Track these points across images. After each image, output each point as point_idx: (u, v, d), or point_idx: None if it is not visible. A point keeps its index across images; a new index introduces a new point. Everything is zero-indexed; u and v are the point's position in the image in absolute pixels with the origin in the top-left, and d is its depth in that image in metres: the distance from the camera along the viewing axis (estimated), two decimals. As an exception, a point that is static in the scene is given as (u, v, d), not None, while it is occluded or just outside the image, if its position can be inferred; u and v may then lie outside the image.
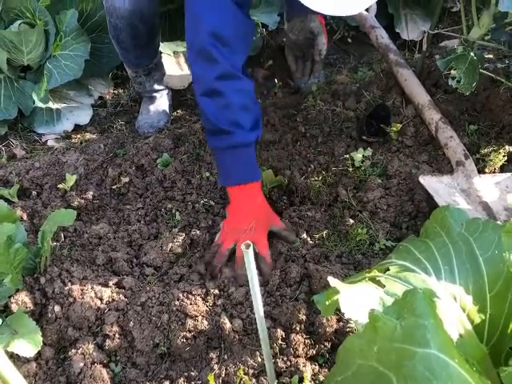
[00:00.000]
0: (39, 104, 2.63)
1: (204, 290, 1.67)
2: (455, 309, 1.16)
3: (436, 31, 2.36)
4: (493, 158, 2.11)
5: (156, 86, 2.69)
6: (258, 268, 1.73)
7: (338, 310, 1.12)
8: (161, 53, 2.67)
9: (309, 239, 1.89)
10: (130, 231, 1.97)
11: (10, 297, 1.68)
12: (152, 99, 2.73)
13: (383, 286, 1.19)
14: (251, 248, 1.08)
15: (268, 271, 1.75)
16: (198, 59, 1.77)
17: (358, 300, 1.10)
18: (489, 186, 1.95)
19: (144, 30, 2.29)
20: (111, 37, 2.37)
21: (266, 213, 1.89)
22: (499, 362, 1.15)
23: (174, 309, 1.59)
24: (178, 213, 2.07)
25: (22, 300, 1.67)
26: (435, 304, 0.94)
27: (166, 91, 2.77)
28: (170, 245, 1.87)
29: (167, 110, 2.73)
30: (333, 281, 1.13)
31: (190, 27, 1.79)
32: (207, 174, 2.22)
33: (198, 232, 1.93)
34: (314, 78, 2.78)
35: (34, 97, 2.58)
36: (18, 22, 2.62)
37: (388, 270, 1.24)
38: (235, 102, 1.77)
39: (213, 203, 2.12)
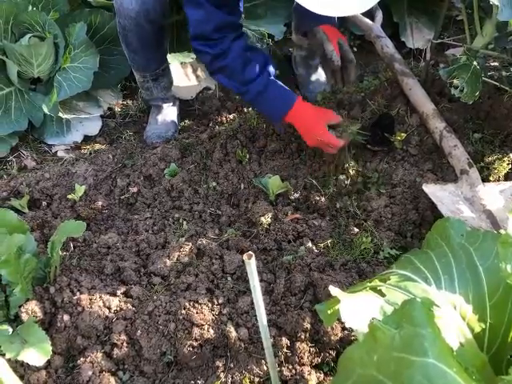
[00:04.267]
0: (49, 116, 2.68)
1: (210, 299, 1.69)
2: (455, 317, 1.18)
3: (440, 40, 2.38)
4: (497, 166, 2.12)
5: (163, 94, 2.73)
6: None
7: (340, 318, 1.14)
8: (168, 61, 2.72)
9: (314, 248, 1.91)
10: (138, 241, 2.00)
11: (20, 306, 1.71)
12: (160, 109, 2.77)
13: (384, 296, 1.21)
14: (253, 258, 1.11)
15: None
16: (202, 44, 2.13)
17: (358, 309, 1.12)
18: (493, 195, 1.95)
19: (151, 30, 2.37)
20: (120, 39, 2.46)
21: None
22: (500, 371, 1.16)
23: (181, 318, 1.62)
24: (185, 222, 2.10)
25: (32, 309, 1.70)
26: (433, 313, 0.96)
27: (173, 101, 2.81)
28: (178, 254, 1.90)
29: (175, 120, 2.76)
30: (334, 290, 1.15)
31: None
32: (214, 184, 2.25)
33: (204, 241, 1.95)
34: (320, 87, 2.81)
35: (44, 109, 2.63)
36: (28, 35, 2.67)
37: (389, 279, 1.26)
38: (236, 67, 2.16)
39: (219, 212, 2.15)
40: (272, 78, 2.24)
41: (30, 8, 2.71)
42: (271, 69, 2.24)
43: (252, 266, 1.11)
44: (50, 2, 2.77)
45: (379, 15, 2.75)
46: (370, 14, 2.80)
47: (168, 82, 2.74)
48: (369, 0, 1.65)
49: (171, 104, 2.80)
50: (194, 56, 2.99)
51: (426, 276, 1.22)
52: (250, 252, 1.11)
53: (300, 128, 2.21)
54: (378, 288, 1.21)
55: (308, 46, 2.82)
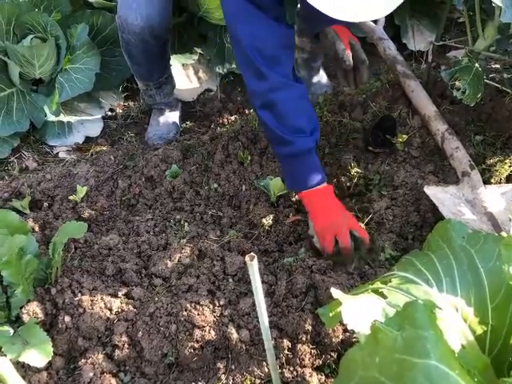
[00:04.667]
0: (51, 117, 2.69)
1: (212, 301, 1.69)
2: (457, 320, 1.18)
3: (441, 43, 2.38)
4: (498, 168, 2.12)
5: (166, 99, 2.74)
6: (359, 250, 1.87)
7: (341, 320, 1.14)
8: (170, 65, 2.72)
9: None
10: (139, 242, 2.00)
11: (21, 307, 1.71)
12: (162, 111, 2.77)
13: (386, 298, 1.21)
14: (255, 260, 1.11)
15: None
16: (249, 74, 1.86)
17: (360, 311, 1.12)
18: (494, 197, 1.95)
19: (155, 45, 2.37)
20: (123, 51, 2.43)
21: (343, 208, 1.96)
22: (502, 373, 1.16)
23: (182, 319, 1.62)
24: (186, 224, 2.10)
25: (33, 310, 1.70)
26: (435, 315, 0.96)
27: (175, 104, 2.81)
28: (179, 255, 1.90)
29: (177, 122, 2.77)
30: (336, 292, 1.15)
31: (235, 48, 1.89)
32: (215, 186, 2.26)
33: (206, 243, 1.95)
34: (322, 89, 2.81)
35: (46, 110, 2.64)
36: (30, 36, 2.67)
37: (390, 281, 1.26)
38: (291, 110, 1.87)
39: (221, 214, 2.15)
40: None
41: (32, 8, 2.71)
42: (318, 134, 1.97)
43: (254, 267, 1.11)
44: (51, 3, 2.77)
45: (382, 18, 2.75)
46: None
47: (171, 87, 2.74)
48: (387, 7, 1.51)
49: (173, 106, 2.80)
50: (195, 58, 2.99)
51: (428, 278, 1.22)
52: (252, 253, 1.10)
53: (309, 213, 1.96)
54: (380, 290, 1.21)
55: (310, 48, 2.82)
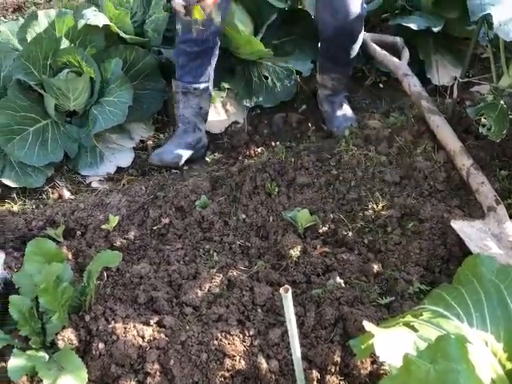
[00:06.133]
0: (84, 147, 2.78)
1: (241, 331, 1.73)
2: (487, 354, 1.20)
3: (466, 79, 2.43)
4: (524, 203, 2.14)
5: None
6: None
7: (373, 352, 1.17)
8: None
9: (342, 282, 1.94)
10: (169, 271, 2.04)
11: (56, 333, 1.76)
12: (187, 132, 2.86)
13: (416, 331, 1.23)
14: (290, 292, 1.15)
15: None
16: None
17: (392, 344, 1.15)
18: (520, 232, 1.97)
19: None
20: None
21: None
22: (532, 408, 1.18)
23: (213, 348, 1.66)
24: (215, 253, 2.14)
25: (68, 337, 1.75)
26: (467, 349, 0.99)
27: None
28: (209, 285, 1.94)
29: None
30: (368, 325, 1.18)
31: None
32: (243, 216, 2.30)
33: (235, 273, 2.00)
34: (346, 123, 2.87)
35: (80, 141, 2.72)
36: (66, 70, 2.78)
37: (421, 315, 1.29)
38: None
39: (249, 244, 2.19)
40: None
41: (68, 44, 2.81)
42: None
43: (289, 299, 1.15)
44: (87, 38, 2.88)
45: (406, 54, 2.83)
46: (397, 52, 2.88)
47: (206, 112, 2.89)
48: None
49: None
50: (223, 95, 3.08)
51: (458, 313, 1.25)
52: (286, 286, 1.15)
53: None
54: (411, 323, 1.24)
55: (331, 86, 2.91)
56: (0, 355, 1.77)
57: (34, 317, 1.80)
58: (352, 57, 2.81)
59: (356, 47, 2.78)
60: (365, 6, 2.70)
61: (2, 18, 4.37)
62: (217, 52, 2.76)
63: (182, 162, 2.79)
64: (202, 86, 2.78)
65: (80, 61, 2.77)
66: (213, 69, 2.80)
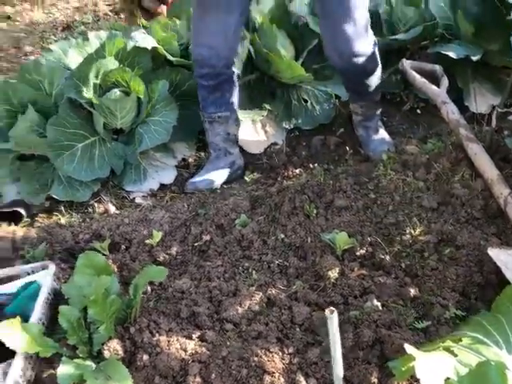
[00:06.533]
0: (129, 164, 2.89)
1: (281, 348, 1.78)
2: (525, 382, 1.23)
3: (505, 110, 2.46)
4: (562, 233, 2.16)
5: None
6: None
7: (410, 375, 1.21)
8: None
9: (379, 305, 1.98)
10: (210, 287, 2.11)
11: (102, 344, 1.84)
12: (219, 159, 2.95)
13: (455, 356, 1.28)
14: (335, 313, 1.20)
15: None
16: None
17: (433, 367, 1.20)
18: (558, 261, 1.99)
19: None
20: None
21: None
22: None
23: (253, 364, 1.71)
24: (254, 272, 2.20)
25: (114, 347, 1.82)
26: (507, 376, 1.03)
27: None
28: (248, 302, 2.00)
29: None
30: (409, 348, 1.23)
31: None
32: (282, 236, 2.36)
33: (274, 291, 2.05)
34: (382, 147, 2.92)
35: (125, 158, 2.83)
36: (115, 90, 2.89)
37: (460, 340, 1.33)
38: None
39: (287, 264, 2.24)
40: None
41: (118, 65, 2.94)
42: None
43: (334, 320, 1.21)
44: (135, 60, 3.00)
45: (445, 82, 2.87)
46: (436, 80, 2.93)
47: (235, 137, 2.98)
48: None
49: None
50: (264, 114, 3.17)
51: (498, 340, 1.29)
52: (331, 308, 1.20)
53: None
54: (451, 348, 1.28)
55: (361, 112, 2.98)
56: (49, 362, 1.86)
57: (81, 327, 1.88)
58: (372, 89, 2.87)
59: (373, 79, 2.83)
60: (375, 40, 2.73)
61: (53, 36, 4.56)
62: (236, 81, 2.85)
63: (217, 186, 2.89)
64: (226, 113, 2.87)
65: (128, 81, 2.89)
66: (236, 96, 2.89)
